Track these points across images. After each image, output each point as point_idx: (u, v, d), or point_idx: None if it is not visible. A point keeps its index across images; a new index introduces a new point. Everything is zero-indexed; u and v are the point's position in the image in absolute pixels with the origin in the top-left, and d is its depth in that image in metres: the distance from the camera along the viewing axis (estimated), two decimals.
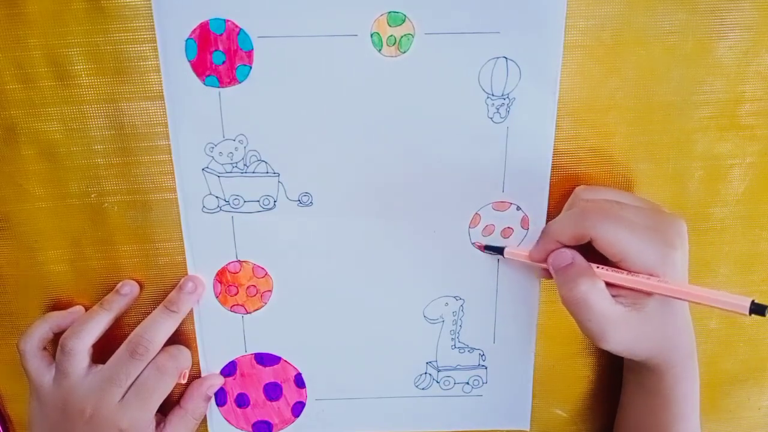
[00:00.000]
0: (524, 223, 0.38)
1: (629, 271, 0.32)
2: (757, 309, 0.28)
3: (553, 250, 0.34)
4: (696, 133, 0.37)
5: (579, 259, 0.33)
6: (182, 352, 0.39)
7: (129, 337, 0.37)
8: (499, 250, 0.38)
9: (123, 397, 0.36)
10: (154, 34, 0.34)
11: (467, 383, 0.41)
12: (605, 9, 0.35)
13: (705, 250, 0.40)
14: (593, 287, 0.32)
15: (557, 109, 0.36)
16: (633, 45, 0.35)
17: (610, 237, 0.32)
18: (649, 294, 0.32)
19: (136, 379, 0.36)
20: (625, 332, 0.33)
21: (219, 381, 0.40)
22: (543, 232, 0.35)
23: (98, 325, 0.37)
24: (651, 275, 0.32)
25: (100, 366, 0.37)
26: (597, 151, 0.37)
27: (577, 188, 0.37)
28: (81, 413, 0.35)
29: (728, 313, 0.29)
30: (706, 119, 0.37)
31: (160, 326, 0.37)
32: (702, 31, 0.35)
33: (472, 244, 0.38)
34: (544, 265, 0.35)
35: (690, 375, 0.37)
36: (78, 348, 0.36)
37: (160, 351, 0.37)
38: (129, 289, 0.38)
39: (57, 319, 0.38)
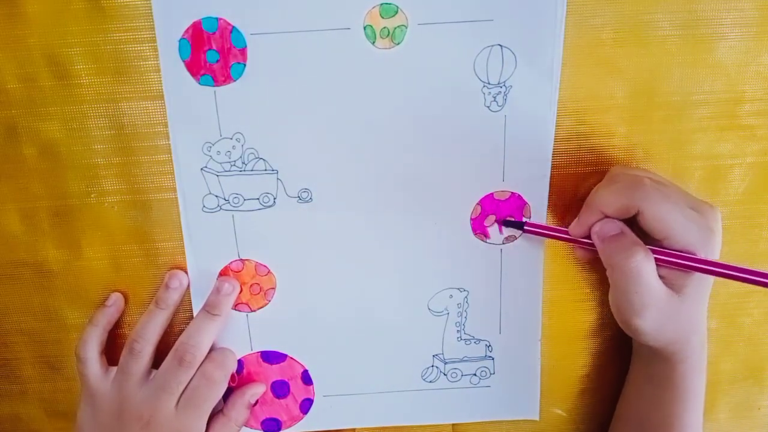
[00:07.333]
0: (526, 212, 0.38)
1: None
2: None
3: (595, 223, 0.34)
4: (696, 133, 0.37)
5: (628, 229, 0.33)
6: (227, 357, 0.39)
7: (175, 345, 0.37)
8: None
9: (177, 403, 0.36)
10: (154, 33, 0.34)
11: (474, 375, 0.41)
12: (605, 9, 0.34)
13: None
14: (647, 258, 0.32)
15: (558, 106, 0.36)
16: (633, 45, 0.35)
17: (660, 212, 0.32)
18: (689, 272, 0.32)
19: (187, 386, 0.37)
20: (660, 312, 0.33)
21: (261, 389, 0.41)
22: (586, 204, 0.35)
23: (160, 324, 0.37)
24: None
25: (154, 372, 0.37)
26: (597, 151, 0.37)
27: (613, 168, 0.36)
28: (138, 419, 0.36)
29: None
30: (706, 119, 0.37)
31: (204, 331, 0.37)
32: (702, 31, 0.35)
33: (474, 235, 0.38)
34: (586, 241, 0.35)
35: (701, 368, 0.37)
36: (146, 350, 0.37)
37: (206, 358, 0.38)
38: (177, 282, 0.38)
39: (104, 317, 0.38)
